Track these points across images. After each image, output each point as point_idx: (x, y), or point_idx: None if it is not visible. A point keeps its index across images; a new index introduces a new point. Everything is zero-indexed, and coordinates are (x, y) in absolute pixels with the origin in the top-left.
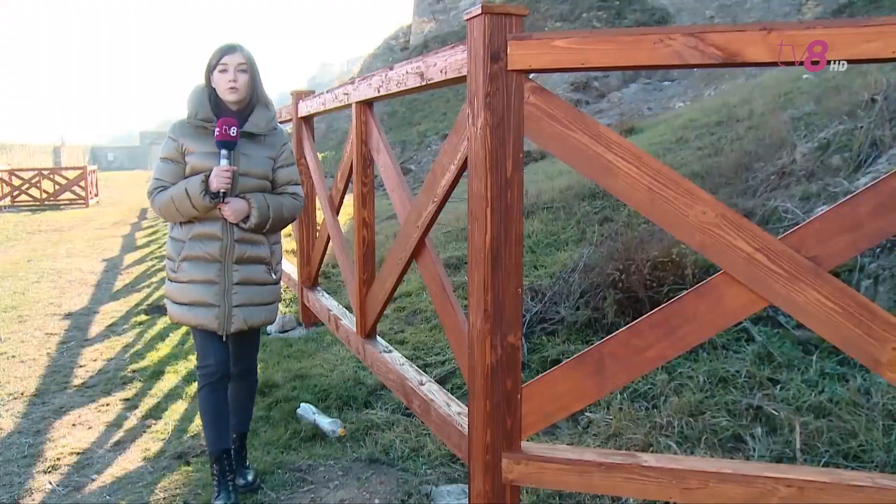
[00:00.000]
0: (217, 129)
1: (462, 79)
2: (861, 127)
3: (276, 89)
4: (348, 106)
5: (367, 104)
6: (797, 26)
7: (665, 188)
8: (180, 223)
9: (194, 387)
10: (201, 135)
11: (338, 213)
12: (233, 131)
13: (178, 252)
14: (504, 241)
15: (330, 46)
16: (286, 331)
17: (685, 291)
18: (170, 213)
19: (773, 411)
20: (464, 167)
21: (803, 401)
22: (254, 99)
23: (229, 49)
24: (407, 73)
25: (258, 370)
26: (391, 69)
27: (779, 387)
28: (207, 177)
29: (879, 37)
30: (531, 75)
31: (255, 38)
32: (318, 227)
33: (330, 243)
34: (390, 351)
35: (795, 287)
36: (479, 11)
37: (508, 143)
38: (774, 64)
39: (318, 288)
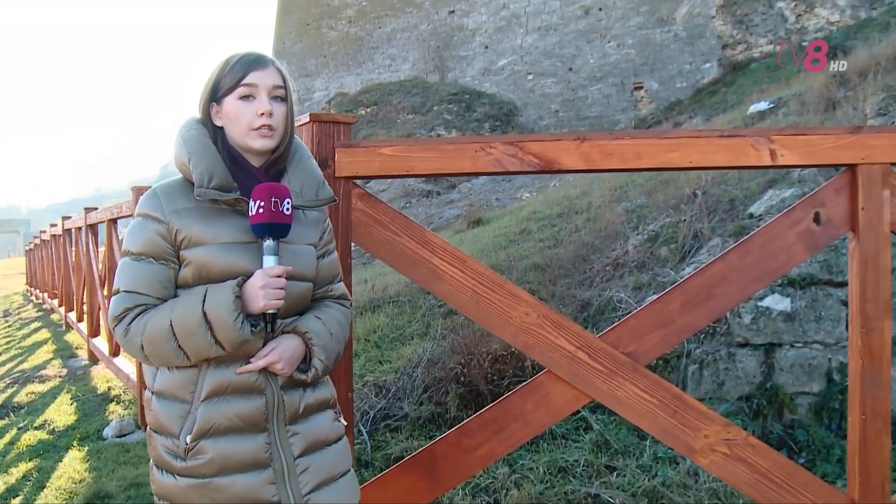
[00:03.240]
0: (259, 204)
1: None
2: (685, 220)
3: (126, 178)
4: None
5: None
6: (607, 136)
7: (489, 291)
8: (170, 368)
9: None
10: (212, 214)
11: None
12: (286, 207)
13: (183, 422)
14: None
15: None
16: (123, 435)
17: (516, 388)
18: (164, 353)
19: (610, 499)
20: None
21: (638, 486)
22: (287, 144)
23: (259, 61)
24: None
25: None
26: None
27: (615, 473)
28: (240, 285)
29: (678, 147)
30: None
31: (100, 122)
32: None
33: None
34: None
35: (615, 382)
36: (307, 119)
37: (337, 249)
38: (588, 171)
39: None
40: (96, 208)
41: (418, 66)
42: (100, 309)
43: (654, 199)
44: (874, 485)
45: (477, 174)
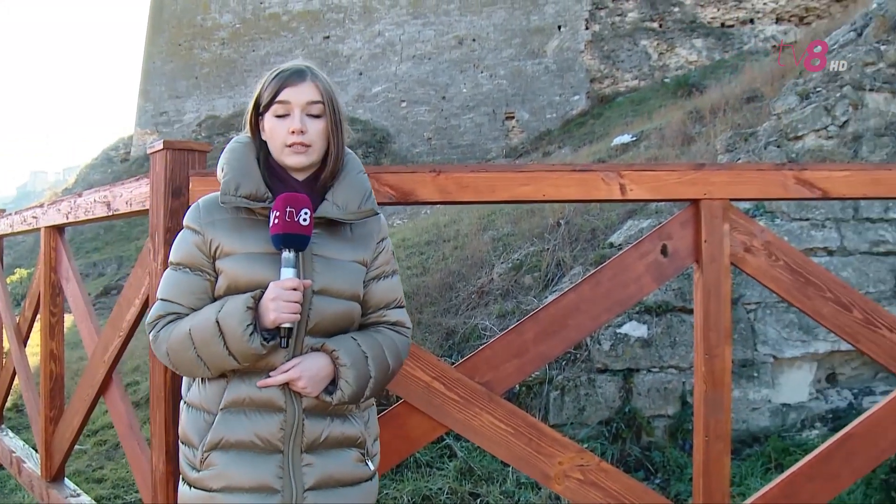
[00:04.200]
0: (275, 215)
1: (148, 211)
2: (548, 248)
3: None
4: (38, 230)
5: (58, 229)
6: (463, 169)
7: None
8: (202, 379)
9: None
10: (245, 224)
11: (26, 344)
12: (304, 217)
13: (203, 432)
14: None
15: (44, 153)
16: None
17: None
18: (186, 362)
19: None
20: (147, 302)
21: None
22: (334, 160)
23: (295, 75)
24: (94, 201)
25: None
26: (80, 196)
27: (479, 500)
28: (258, 299)
29: (532, 181)
30: None
31: None
32: (5, 358)
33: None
34: (78, 495)
35: (471, 412)
36: (161, 147)
37: None
38: (444, 202)
39: (3, 427)
40: None
41: None
42: None
43: (520, 227)
44: (715, 502)
45: None
